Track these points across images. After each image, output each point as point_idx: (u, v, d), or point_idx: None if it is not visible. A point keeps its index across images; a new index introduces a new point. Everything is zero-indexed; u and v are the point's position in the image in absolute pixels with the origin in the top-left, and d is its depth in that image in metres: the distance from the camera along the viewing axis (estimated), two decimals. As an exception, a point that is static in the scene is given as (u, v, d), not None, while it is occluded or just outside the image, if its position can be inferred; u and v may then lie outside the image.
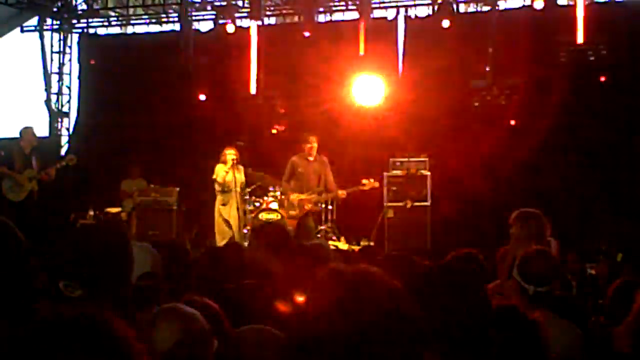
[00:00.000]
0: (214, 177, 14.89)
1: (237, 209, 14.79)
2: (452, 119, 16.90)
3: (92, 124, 20.97)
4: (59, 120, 21.79)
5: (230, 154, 14.73)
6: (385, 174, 14.96)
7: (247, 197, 15.55)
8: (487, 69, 16.31)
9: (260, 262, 5.95)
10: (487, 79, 16.37)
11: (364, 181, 14.49)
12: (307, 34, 17.69)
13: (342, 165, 16.01)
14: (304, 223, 14.48)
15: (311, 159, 14.48)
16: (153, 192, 16.15)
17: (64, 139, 21.72)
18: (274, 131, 16.62)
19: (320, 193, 14.59)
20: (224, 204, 14.95)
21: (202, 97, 18.63)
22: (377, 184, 14.51)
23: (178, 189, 16.09)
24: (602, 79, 15.96)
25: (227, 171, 14.71)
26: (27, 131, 14.93)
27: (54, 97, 21.75)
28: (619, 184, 15.31)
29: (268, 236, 6.26)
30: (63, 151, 20.77)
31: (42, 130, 20.13)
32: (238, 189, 14.82)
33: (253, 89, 18.36)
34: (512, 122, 16.46)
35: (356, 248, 13.88)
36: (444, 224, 14.92)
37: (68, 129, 21.84)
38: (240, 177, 14.95)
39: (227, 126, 17.95)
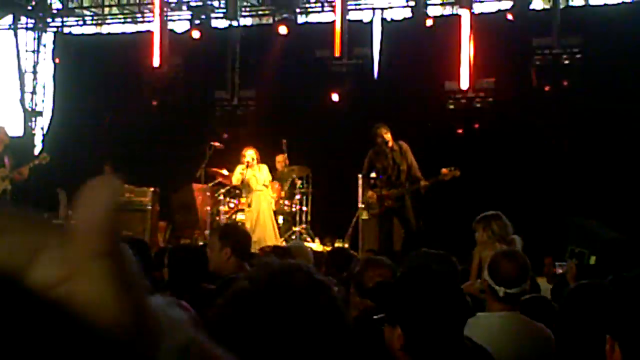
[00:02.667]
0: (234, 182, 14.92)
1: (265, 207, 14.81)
2: (428, 122, 16.95)
3: (67, 123, 20.88)
4: (33, 119, 21.68)
5: (246, 155, 14.70)
6: (359, 175, 14.95)
7: (221, 197, 15.56)
8: (462, 71, 16.34)
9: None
10: (461, 81, 16.40)
11: (444, 170, 13.36)
12: (283, 30, 17.70)
13: (316, 165, 16.03)
14: (380, 224, 13.88)
15: (388, 150, 13.58)
16: (127, 192, 16.08)
17: (38, 138, 21.61)
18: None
19: (400, 186, 13.64)
20: (249, 205, 14.98)
21: (178, 97, 18.56)
22: (458, 173, 13.32)
23: (152, 189, 16.04)
24: (565, 83, 16.04)
25: (243, 172, 14.70)
26: (-1, 130, 14.85)
27: (28, 96, 21.65)
28: (595, 186, 15.39)
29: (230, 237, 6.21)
30: (37, 150, 20.65)
31: (16, 129, 20.06)
32: (261, 188, 14.78)
33: (229, 90, 18.32)
34: (485, 125, 16.53)
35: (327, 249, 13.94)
36: (421, 227, 14.93)
37: (42, 128, 21.74)
38: (262, 175, 14.90)
39: (202, 127, 17.91)
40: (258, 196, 14.86)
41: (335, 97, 17.33)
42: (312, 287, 1.68)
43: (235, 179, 14.86)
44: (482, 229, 7.95)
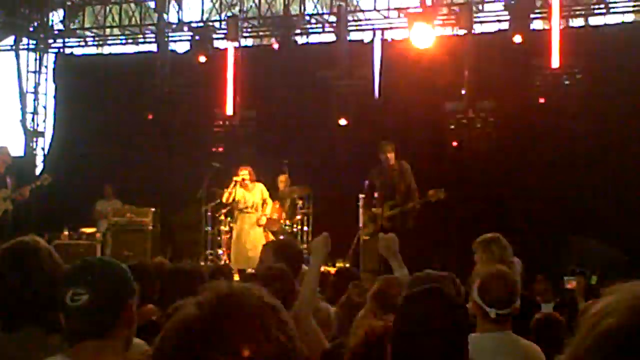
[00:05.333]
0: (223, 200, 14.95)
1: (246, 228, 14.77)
2: (428, 141, 16.97)
3: (68, 144, 20.89)
4: (34, 140, 21.71)
5: (239, 174, 14.70)
6: (361, 196, 14.93)
7: (222, 217, 15.55)
8: (463, 92, 16.37)
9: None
10: (462, 101, 16.42)
11: (430, 191, 13.47)
12: (276, 46, 17.75)
13: (317, 186, 16.02)
14: (366, 246, 13.88)
15: (389, 169, 13.61)
16: (128, 212, 16.11)
17: (39, 159, 21.63)
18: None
19: (394, 207, 13.61)
20: (233, 223, 15.02)
21: (179, 118, 18.54)
22: (442, 195, 13.41)
23: (153, 209, 16.05)
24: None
25: (231, 191, 14.66)
26: (1, 150, 14.83)
27: (29, 117, 21.69)
28: (595, 205, 15.39)
29: None
30: (38, 171, 20.66)
31: (17, 149, 20.08)
32: (249, 210, 14.75)
33: (229, 110, 18.34)
34: (486, 145, 16.53)
35: (332, 270, 13.87)
36: (421, 246, 14.91)
37: (43, 149, 21.76)
38: (253, 197, 14.84)
39: (204, 147, 17.92)
40: (243, 216, 14.82)
41: (337, 118, 17.34)
42: (262, 311, 1.64)
43: (224, 197, 14.83)
44: (481, 251, 7.95)
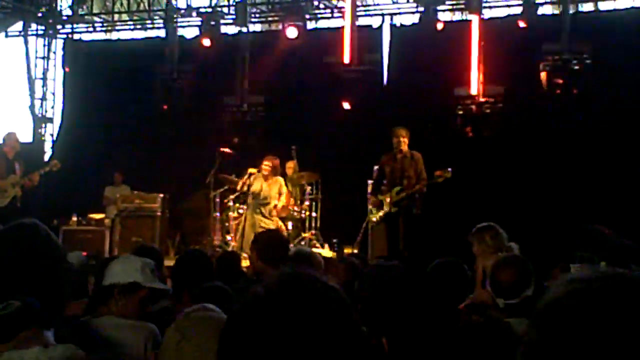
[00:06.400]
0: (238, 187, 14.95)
1: (251, 218, 14.71)
2: (437, 127, 16.93)
3: (76, 129, 20.91)
4: (43, 125, 21.73)
5: (263, 165, 14.62)
6: (369, 181, 14.91)
7: (230, 204, 15.55)
8: (472, 77, 16.32)
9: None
10: (471, 87, 16.38)
11: (437, 172, 13.15)
12: (291, 34, 17.69)
13: (325, 172, 16.01)
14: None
15: (400, 155, 13.34)
16: (137, 198, 16.12)
17: (48, 145, 21.66)
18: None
19: (400, 191, 13.29)
20: (242, 209, 15.04)
21: (189, 103, 18.50)
22: (449, 174, 13.06)
23: (162, 195, 16.05)
24: (575, 91, 16.01)
25: (246, 182, 14.62)
26: (10, 136, 14.84)
27: (38, 103, 21.70)
28: (605, 193, 15.33)
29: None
30: (46, 157, 20.68)
31: (26, 135, 20.11)
32: (264, 199, 14.70)
33: (239, 96, 18.32)
34: (495, 131, 16.50)
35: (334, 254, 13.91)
36: (428, 232, 14.89)
37: (52, 135, 21.78)
38: (269, 189, 14.66)
39: (212, 133, 17.91)
40: (256, 205, 14.74)
41: (345, 104, 17.32)
42: (325, 293, 1.69)
43: (239, 186, 14.78)
44: (477, 242, 7.98)
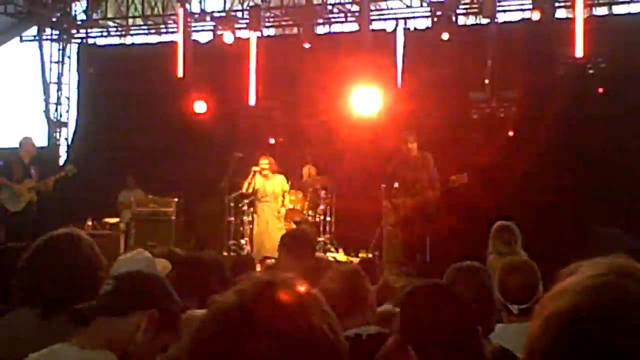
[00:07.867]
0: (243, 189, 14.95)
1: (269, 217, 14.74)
2: (451, 131, 16.89)
3: (91, 134, 20.98)
4: (58, 130, 21.81)
5: (260, 164, 14.67)
6: (382, 185, 14.89)
7: (245, 207, 15.56)
8: (486, 81, 16.30)
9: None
10: (486, 91, 16.35)
11: (452, 177, 13.12)
12: (307, 45, 17.66)
13: (340, 176, 16.01)
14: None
15: (411, 159, 13.27)
16: (151, 202, 16.16)
17: (63, 149, 21.72)
18: (272, 141, 16.41)
19: (414, 195, 13.19)
20: (255, 213, 15.03)
21: (201, 108, 18.48)
22: (465, 179, 13.03)
23: (176, 199, 16.07)
24: (600, 90, 15.96)
25: (250, 181, 14.63)
26: (26, 141, 14.91)
27: (52, 107, 21.79)
28: (618, 195, 15.28)
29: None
30: (61, 161, 20.75)
31: (40, 140, 20.16)
32: (268, 199, 14.73)
33: (252, 100, 18.33)
34: (510, 134, 16.47)
35: (355, 260, 13.87)
36: (443, 235, 14.86)
37: (67, 139, 21.85)
38: (273, 186, 14.78)
39: (226, 137, 17.92)
40: (263, 206, 14.77)
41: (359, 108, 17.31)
42: (303, 300, 1.64)
43: (244, 188, 14.79)
44: (492, 244, 8.01)
